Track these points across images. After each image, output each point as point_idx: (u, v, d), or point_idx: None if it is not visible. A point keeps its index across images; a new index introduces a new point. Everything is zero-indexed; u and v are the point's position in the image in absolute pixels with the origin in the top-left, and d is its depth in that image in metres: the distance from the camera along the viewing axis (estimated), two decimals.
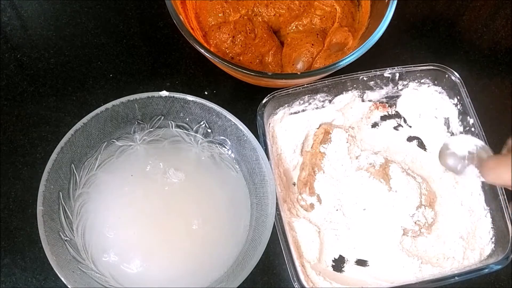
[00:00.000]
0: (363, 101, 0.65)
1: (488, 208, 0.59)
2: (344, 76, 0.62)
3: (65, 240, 0.55)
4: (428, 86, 0.65)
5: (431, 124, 0.65)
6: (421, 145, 0.65)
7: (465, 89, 0.62)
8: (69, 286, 0.51)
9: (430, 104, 0.65)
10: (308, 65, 0.65)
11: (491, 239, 0.58)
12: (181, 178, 0.60)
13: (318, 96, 0.63)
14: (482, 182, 0.60)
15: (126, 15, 0.73)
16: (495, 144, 0.64)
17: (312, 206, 0.60)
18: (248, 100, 0.66)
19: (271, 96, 0.61)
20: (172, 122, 0.62)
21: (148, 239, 0.57)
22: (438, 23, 0.74)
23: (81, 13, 0.72)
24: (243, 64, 0.65)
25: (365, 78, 0.63)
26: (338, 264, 0.58)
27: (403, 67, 0.63)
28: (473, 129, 0.61)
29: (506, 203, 0.57)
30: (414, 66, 0.63)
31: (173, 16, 0.60)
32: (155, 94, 0.59)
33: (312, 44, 0.65)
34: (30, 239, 0.60)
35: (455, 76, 0.63)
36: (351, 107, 0.65)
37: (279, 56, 0.67)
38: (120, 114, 0.59)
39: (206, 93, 0.68)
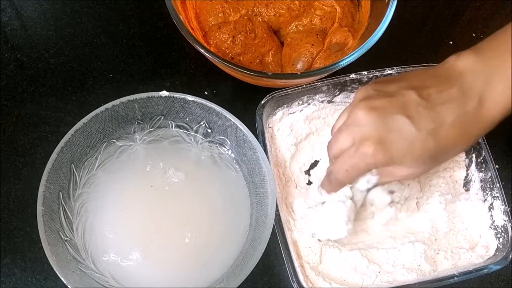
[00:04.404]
0: None
1: (488, 207, 0.59)
2: (344, 76, 0.62)
3: (65, 240, 0.55)
4: None
5: None
6: None
7: None
8: (69, 286, 0.51)
9: None
10: (308, 65, 0.65)
11: (491, 239, 0.58)
12: (181, 178, 0.60)
13: (318, 96, 0.63)
14: (481, 181, 0.60)
15: (126, 15, 0.73)
16: (494, 144, 0.64)
17: None
18: (248, 100, 0.66)
19: (270, 97, 0.61)
20: (172, 122, 0.62)
21: (148, 239, 0.57)
22: (438, 23, 0.74)
23: (81, 13, 0.72)
24: (243, 64, 0.65)
25: (365, 78, 0.63)
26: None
27: (402, 67, 0.63)
28: None
29: (505, 203, 0.57)
30: (413, 66, 0.63)
31: (173, 16, 0.60)
32: (155, 94, 0.59)
33: (312, 44, 0.65)
34: (30, 239, 0.60)
35: None
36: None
37: (279, 56, 0.67)
38: (120, 114, 0.59)
39: (206, 93, 0.68)
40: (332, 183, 0.54)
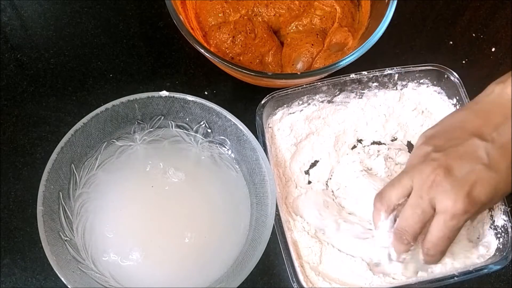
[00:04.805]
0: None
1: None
2: (344, 76, 0.62)
3: (65, 240, 0.55)
4: (427, 87, 0.65)
5: (430, 125, 0.65)
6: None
7: (464, 90, 0.62)
8: (69, 286, 0.51)
9: (429, 104, 0.66)
10: (308, 65, 0.65)
11: (491, 239, 0.58)
12: (181, 178, 0.60)
13: (317, 96, 0.63)
14: None
15: (126, 15, 0.73)
16: None
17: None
18: (248, 100, 0.66)
19: (270, 97, 0.61)
20: (172, 122, 0.62)
21: (148, 239, 0.57)
22: (438, 23, 0.74)
23: (81, 13, 0.72)
24: (243, 64, 0.65)
25: (365, 78, 0.63)
26: None
27: (402, 67, 0.63)
28: None
29: (505, 203, 0.57)
30: (413, 67, 0.63)
31: (173, 16, 0.60)
32: (155, 94, 0.59)
33: (312, 44, 0.65)
34: (30, 239, 0.60)
35: (454, 76, 0.63)
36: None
37: (279, 56, 0.67)
38: (120, 114, 0.59)
39: (206, 93, 0.68)
40: (435, 258, 0.52)
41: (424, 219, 0.50)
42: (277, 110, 0.63)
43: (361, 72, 0.62)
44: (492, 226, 0.58)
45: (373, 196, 0.55)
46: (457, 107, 0.63)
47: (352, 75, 0.62)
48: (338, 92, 0.64)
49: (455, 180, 0.48)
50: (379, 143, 0.65)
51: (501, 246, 0.56)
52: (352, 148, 0.65)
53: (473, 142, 0.49)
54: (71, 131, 0.56)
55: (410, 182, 0.51)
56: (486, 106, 0.50)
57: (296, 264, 0.55)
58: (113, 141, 0.61)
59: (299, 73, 0.60)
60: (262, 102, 0.61)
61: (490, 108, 0.49)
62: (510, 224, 0.56)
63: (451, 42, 0.73)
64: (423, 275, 0.56)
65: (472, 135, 0.49)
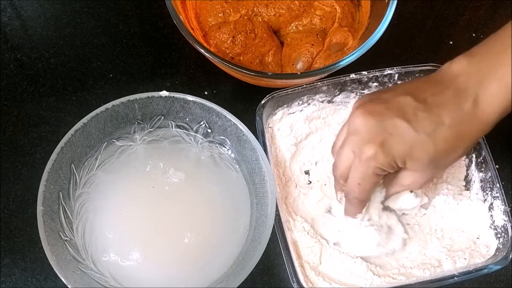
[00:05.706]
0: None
1: (488, 207, 0.59)
2: (344, 76, 0.62)
3: (65, 240, 0.55)
4: None
5: None
6: None
7: None
8: (69, 286, 0.51)
9: None
10: (308, 65, 0.65)
11: (491, 239, 0.58)
12: (181, 178, 0.60)
13: (317, 96, 0.63)
14: (481, 181, 0.60)
15: (126, 15, 0.73)
16: (494, 144, 0.64)
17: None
18: (248, 100, 0.66)
19: (270, 97, 0.61)
20: (172, 122, 0.62)
21: (148, 239, 0.57)
22: (438, 23, 0.74)
23: (81, 13, 0.72)
24: (243, 64, 0.65)
25: (365, 78, 0.63)
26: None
27: (402, 67, 0.63)
28: None
29: (505, 203, 0.57)
30: (413, 67, 0.63)
31: (173, 16, 0.60)
32: (155, 94, 0.59)
33: (312, 44, 0.65)
34: (30, 239, 0.60)
35: None
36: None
37: (279, 56, 0.67)
38: (120, 114, 0.59)
39: (206, 93, 0.68)
40: (353, 204, 0.54)
41: (349, 163, 0.51)
42: (277, 110, 0.63)
43: (361, 72, 0.62)
44: (492, 226, 0.58)
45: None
46: None
47: (352, 75, 0.62)
48: (338, 92, 0.64)
49: (374, 127, 0.49)
50: None
51: (501, 246, 0.56)
52: None
53: (404, 99, 0.49)
54: (71, 131, 0.56)
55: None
56: (434, 78, 0.51)
57: (296, 264, 0.55)
58: (113, 141, 0.61)
59: (299, 73, 0.60)
60: (262, 102, 0.61)
61: (435, 80, 0.50)
62: (510, 224, 0.56)
63: (451, 42, 0.73)
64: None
65: (406, 93, 0.49)
